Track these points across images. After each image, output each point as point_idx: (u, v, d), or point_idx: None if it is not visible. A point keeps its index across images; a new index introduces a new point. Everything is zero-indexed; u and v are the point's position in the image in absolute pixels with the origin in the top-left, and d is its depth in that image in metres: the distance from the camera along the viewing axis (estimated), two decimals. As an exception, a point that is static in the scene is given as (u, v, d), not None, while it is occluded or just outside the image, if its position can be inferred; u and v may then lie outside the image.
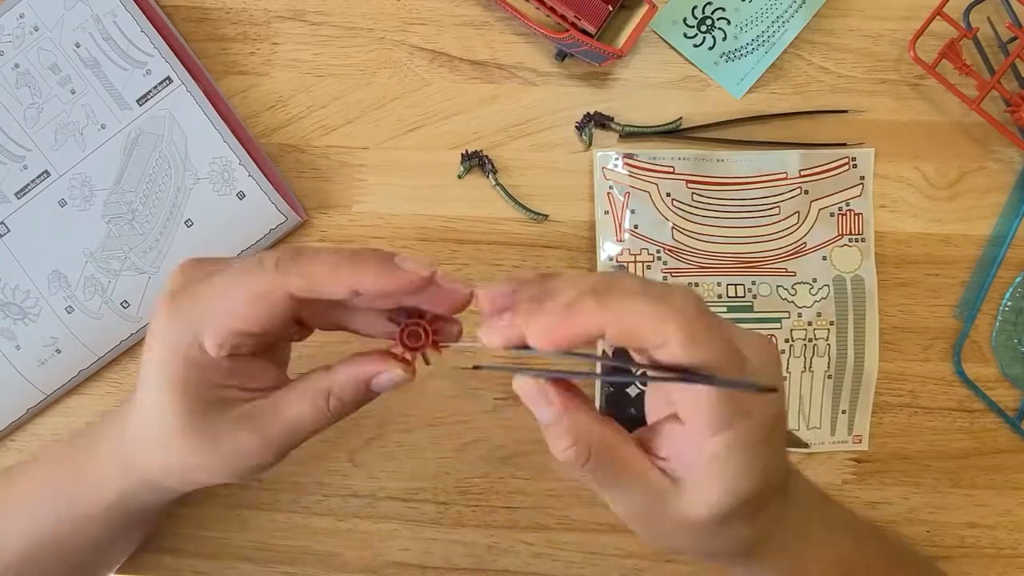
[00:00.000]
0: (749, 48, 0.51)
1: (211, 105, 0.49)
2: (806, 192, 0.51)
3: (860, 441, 0.51)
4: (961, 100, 0.50)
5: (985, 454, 0.51)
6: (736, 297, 0.50)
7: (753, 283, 0.50)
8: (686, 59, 0.52)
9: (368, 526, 0.51)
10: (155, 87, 0.49)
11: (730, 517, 0.32)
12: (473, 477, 0.51)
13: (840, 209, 0.51)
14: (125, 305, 0.49)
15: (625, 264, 0.49)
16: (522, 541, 0.51)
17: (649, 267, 0.50)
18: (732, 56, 0.51)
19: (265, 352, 0.37)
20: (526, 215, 0.51)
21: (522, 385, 0.32)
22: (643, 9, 0.48)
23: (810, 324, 0.50)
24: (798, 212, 0.50)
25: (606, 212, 0.50)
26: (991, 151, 0.52)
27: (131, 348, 0.51)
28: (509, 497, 0.51)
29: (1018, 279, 0.51)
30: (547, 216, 0.51)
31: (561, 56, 0.51)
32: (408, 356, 0.36)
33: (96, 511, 0.41)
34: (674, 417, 0.32)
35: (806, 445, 0.29)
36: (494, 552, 0.51)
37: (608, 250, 0.50)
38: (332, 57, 0.52)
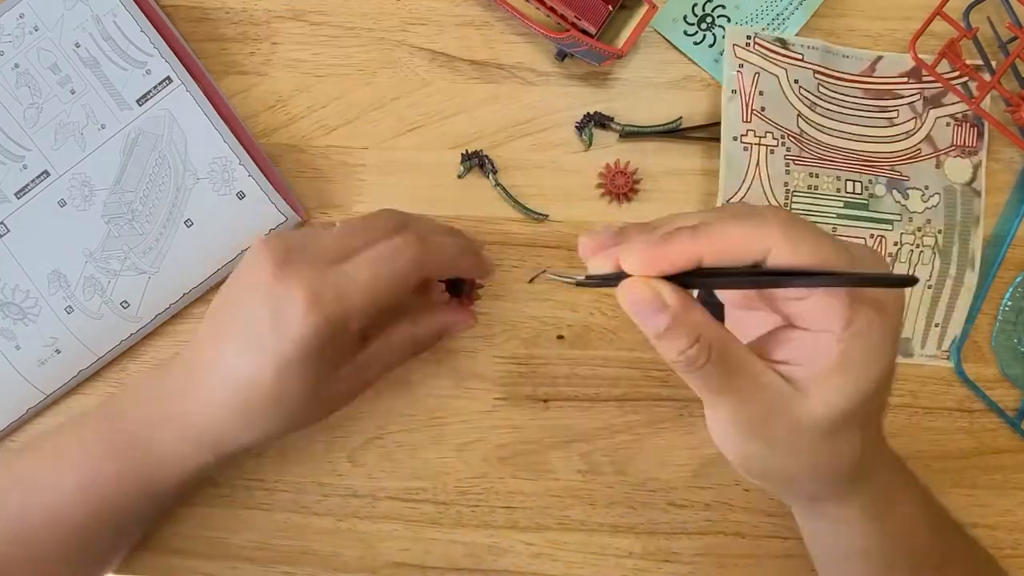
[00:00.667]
0: (749, 48, 0.51)
1: (211, 105, 0.49)
2: (926, 98, 0.51)
3: (947, 358, 0.51)
4: (961, 100, 0.50)
5: (985, 454, 0.51)
6: (853, 193, 0.50)
7: (870, 181, 0.51)
8: (686, 57, 0.52)
9: (368, 526, 0.51)
10: (155, 87, 0.49)
11: (848, 419, 0.32)
12: (473, 477, 0.51)
13: (956, 119, 0.51)
14: (125, 305, 0.49)
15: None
16: (522, 541, 0.51)
17: (773, 151, 0.50)
18: (732, 56, 0.51)
19: None
20: (526, 215, 0.51)
21: (632, 289, 0.30)
22: (643, 9, 0.48)
23: (919, 230, 0.51)
24: (916, 117, 0.51)
25: (734, 91, 0.50)
26: (991, 151, 0.52)
27: (131, 348, 0.51)
28: (509, 497, 0.51)
29: (1018, 279, 0.51)
30: (547, 216, 0.51)
31: (561, 56, 0.51)
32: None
33: (170, 485, 0.43)
34: (787, 327, 0.33)
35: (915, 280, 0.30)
36: (494, 552, 0.51)
37: (733, 130, 0.50)
38: (332, 57, 0.52)
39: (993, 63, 0.51)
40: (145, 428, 0.42)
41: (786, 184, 0.50)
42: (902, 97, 0.51)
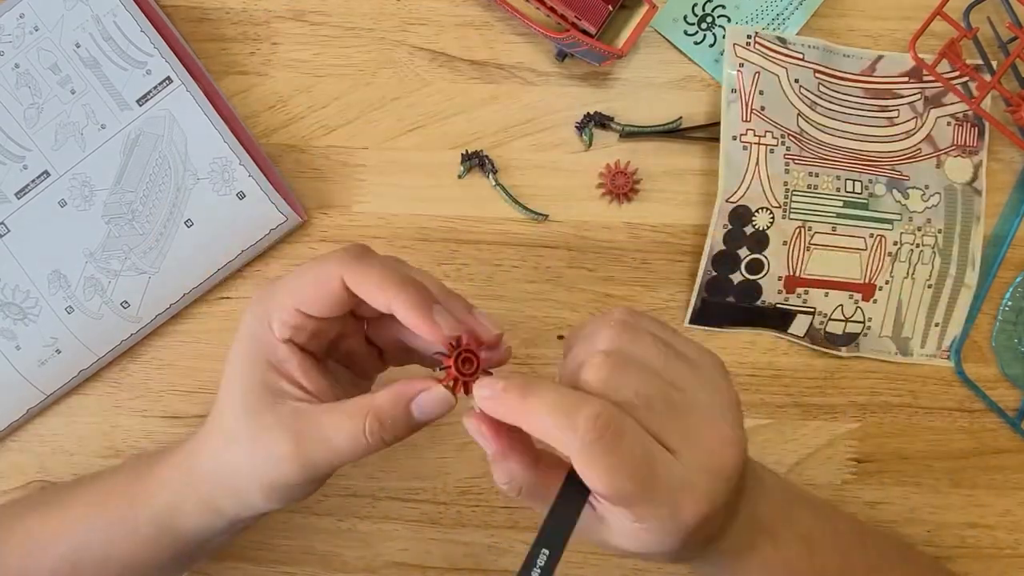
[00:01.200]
0: (749, 48, 0.51)
1: (211, 105, 0.49)
2: (926, 98, 0.51)
3: (947, 357, 0.51)
4: (961, 100, 0.50)
5: (985, 454, 0.51)
6: (853, 193, 0.50)
7: (870, 181, 0.51)
8: (686, 57, 0.52)
9: (368, 526, 0.51)
10: (155, 87, 0.49)
11: (658, 555, 0.35)
12: (473, 477, 0.51)
13: (957, 118, 0.51)
14: (125, 305, 0.49)
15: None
16: (522, 541, 0.51)
17: (772, 150, 0.50)
18: (732, 56, 0.51)
19: (345, 362, 0.40)
20: (526, 215, 0.51)
21: (467, 424, 0.35)
22: (643, 9, 0.48)
23: (919, 230, 0.51)
24: (916, 117, 0.51)
25: (734, 90, 0.50)
26: (991, 151, 0.52)
27: (131, 348, 0.51)
28: (509, 497, 0.51)
29: (1018, 279, 0.51)
30: (547, 216, 0.51)
31: (561, 56, 0.51)
32: (451, 383, 0.35)
33: (181, 540, 0.41)
34: None
35: None
36: (494, 552, 0.51)
37: (733, 129, 0.50)
38: (332, 57, 0.52)
39: (993, 63, 0.51)
40: (158, 483, 0.41)
41: (786, 183, 0.50)
42: (902, 97, 0.51)
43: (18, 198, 0.49)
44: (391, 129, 0.52)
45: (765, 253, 0.50)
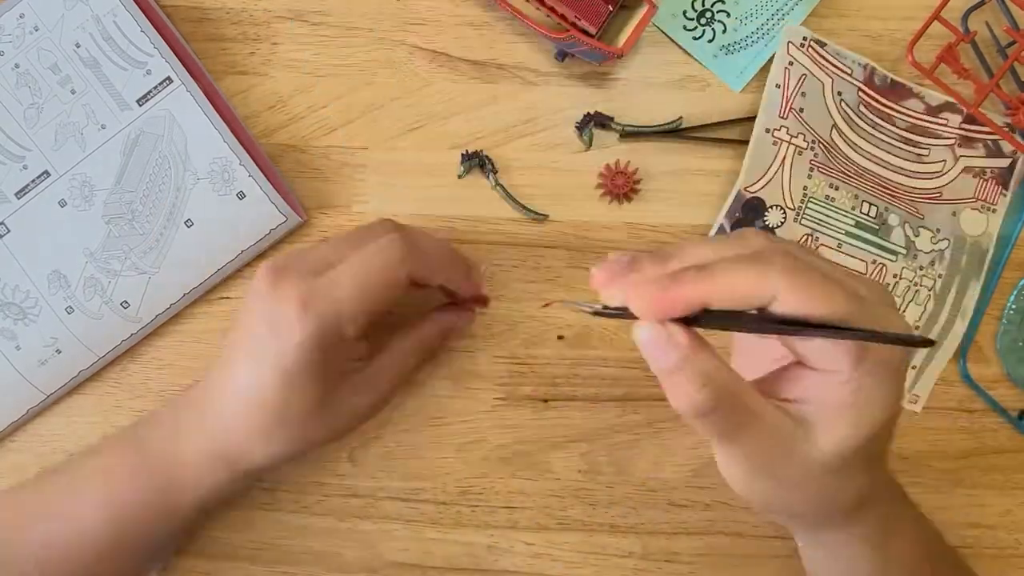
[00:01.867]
0: (748, 41, 0.51)
1: (211, 105, 0.49)
2: (959, 145, 0.51)
3: (915, 402, 0.51)
4: (960, 104, 0.50)
5: (986, 454, 0.51)
6: (866, 215, 0.50)
7: (886, 209, 0.50)
8: (686, 53, 0.52)
9: (368, 526, 0.51)
10: (155, 87, 0.49)
11: (855, 458, 0.33)
12: (473, 477, 0.51)
13: (983, 174, 0.51)
14: (125, 305, 0.49)
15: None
16: (522, 541, 0.51)
17: (801, 152, 0.50)
18: (731, 49, 0.51)
19: None
20: (526, 215, 0.51)
21: (645, 330, 0.30)
22: (643, 9, 0.48)
23: (921, 269, 0.51)
24: (944, 161, 0.51)
25: (777, 85, 0.50)
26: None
27: (131, 348, 0.51)
28: (509, 497, 0.51)
29: (1022, 281, 0.51)
30: (547, 216, 0.51)
31: (561, 56, 0.51)
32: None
33: (188, 506, 0.42)
34: (797, 365, 0.33)
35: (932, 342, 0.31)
36: (494, 552, 0.51)
37: (768, 122, 0.50)
38: (332, 57, 0.52)
39: (992, 66, 0.51)
40: (165, 451, 0.42)
41: (805, 188, 0.50)
42: (938, 137, 0.51)
43: (18, 198, 0.49)
44: (391, 129, 0.52)
45: None
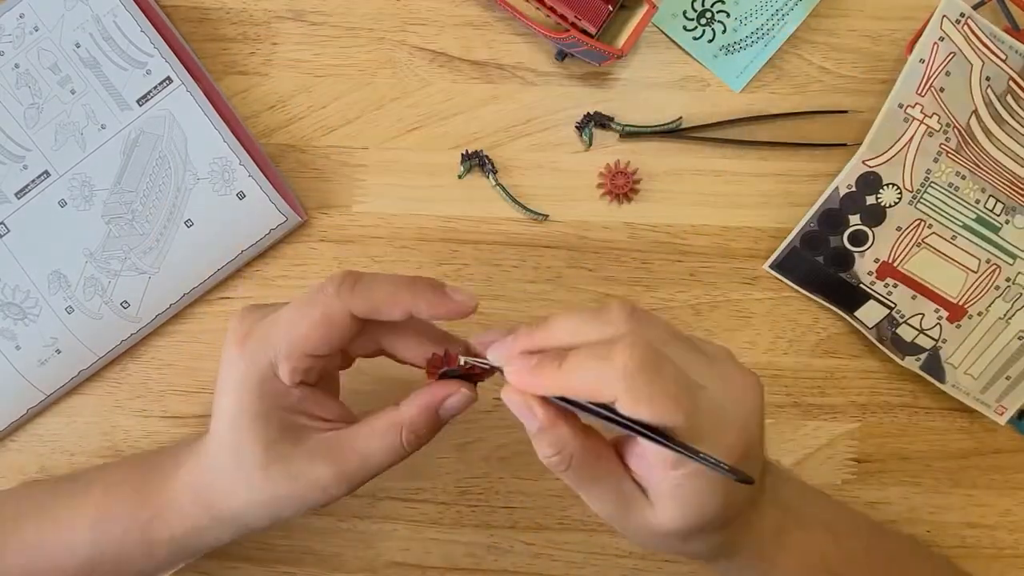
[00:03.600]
0: (748, 41, 0.51)
1: (211, 105, 0.49)
2: None
3: (1002, 413, 0.49)
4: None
5: (985, 454, 0.51)
6: (991, 212, 0.48)
7: (1014, 209, 0.48)
8: (686, 53, 0.52)
9: (368, 526, 0.51)
10: (155, 87, 0.49)
11: (695, 532, 0.35)
12: (473, 477, 0.51)
13: None
14: (125, 305, 0.49)
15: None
16: (522, 541, 0.51)
17: (932, 134, 0.48)
18: (731, 49, 0.51)
19: (322, 383, 0.39)
20: (526, 215, 0.51)
21: (511, 397, 0.34)
22: (643, 9, 0.48)
23: None
24: None
25: (922, 60, 0.48)
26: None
27: (131, 348, 0.51)
28: (509, 497, 0.51)
29: (1019, 279, 0.51)
30: (547, 216, 0.51)
31: (561, 56, 0.51)
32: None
33: (163, 538, 0.41)
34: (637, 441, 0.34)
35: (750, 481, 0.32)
36: (494, 552, 0.51)
37: (903, 97, 0.48)
38: (332, 57, 0.52)
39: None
40: (162, 484, 0.42)
41: (928, 171, 0.48)
42: None
43: (18, 198, 0.49)
44: (391, 129, 0.52)
45: (875, 229, 0.49)
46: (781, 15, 0.51)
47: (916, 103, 0.48)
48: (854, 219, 0.49)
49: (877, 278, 0.49)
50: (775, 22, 0.51)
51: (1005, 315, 0.49)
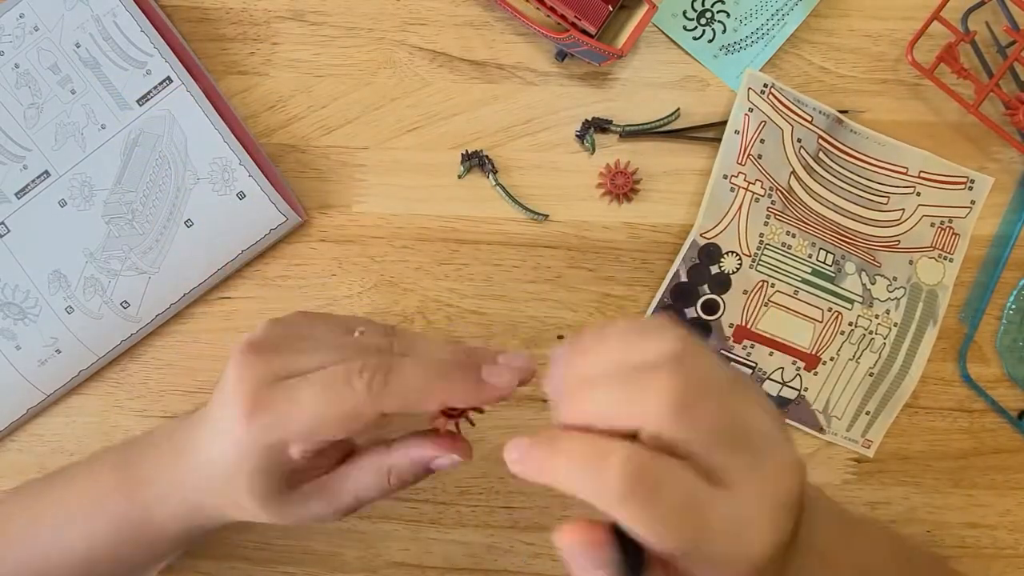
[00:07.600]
0: (748, 41, 0.51)
1: (211, 105, 0.49)
2: (918, 194, 0.51)
3: (868, 447, 0.51)
4: (959, 104, 0.50)
5: (985, 454, 0.51)
6: (823, 263, 0.50)
7: (843, 257, 0.51)
8: (686, 53, 0.52)
9: (368, 526, 0.51)
10: (155, 87, 0.49)
11: None
12: (473, 477, 0.51)
13: (941, 223, 0.51)
14: (125, 305, 0.49)
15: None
16: (522, 541, 0.51)
17: (758, 200, 0.50)
18: (731, 49, 0.51)
19: None
20: (526, 215, 0.51)
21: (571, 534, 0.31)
22: (643, 9, 0.48)
23: (876, 317, 0.51)
24: (903, 209, 0.51)
25: (736, 132, 0.50)
26: (990, 153, 0.52)
27: (131, 348, 0.51)
28: (509, 497, 0.51)
29: (1022, 281, 0.51)
30: (547, 216, 0.51)
31: (561, 56, 0.51)
32: (453, 428, 0.39)
33: (161, 538, 0.42)
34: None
35: None
36: (494, 552, 0.51)
37: (725, 168, 0.50)
38: (332, 57, 0.52)
39: (991, 66, 0.51)
40: (150, 486, 0.41)
41: (761, 235, 0.50)
42: (896, 187, 0.51)
43: (18, 198, 0.49)
44: (391, 129, 0.52)
45: (724, 296, 0.51)
46: (781, 15, 0.51)
47: (739, 172, 0.50)
48: (703, 289, 0.51)
49: (735, 342, 0.51)
50: (775, 22, 0.51)
51: (854, 356, 0.51)
